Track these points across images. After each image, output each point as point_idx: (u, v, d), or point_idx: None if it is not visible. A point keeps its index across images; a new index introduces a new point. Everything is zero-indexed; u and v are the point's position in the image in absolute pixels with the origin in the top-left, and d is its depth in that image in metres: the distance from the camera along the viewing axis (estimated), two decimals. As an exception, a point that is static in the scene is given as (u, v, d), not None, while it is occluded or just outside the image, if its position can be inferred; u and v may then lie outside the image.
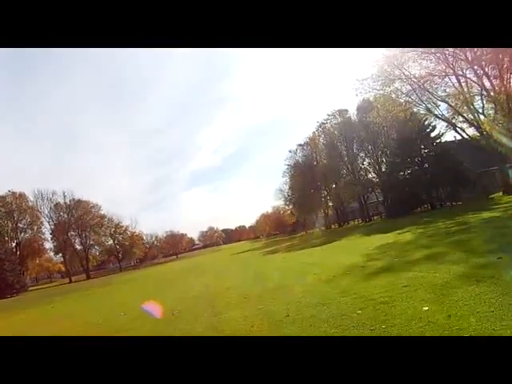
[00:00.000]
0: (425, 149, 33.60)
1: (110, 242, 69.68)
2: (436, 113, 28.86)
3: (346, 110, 43.98)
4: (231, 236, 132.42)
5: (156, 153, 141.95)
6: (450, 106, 26.76)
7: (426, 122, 32.95)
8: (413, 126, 31.34)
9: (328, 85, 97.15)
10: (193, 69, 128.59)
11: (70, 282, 53.26)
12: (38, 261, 60.32)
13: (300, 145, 53.62)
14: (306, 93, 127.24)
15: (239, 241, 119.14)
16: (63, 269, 69.73)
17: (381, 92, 28.81)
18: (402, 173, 34.64)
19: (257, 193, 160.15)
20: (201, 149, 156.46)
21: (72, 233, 62.41)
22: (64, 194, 60.95)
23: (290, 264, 13.02)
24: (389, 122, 31.52)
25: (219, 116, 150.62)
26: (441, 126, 31.80)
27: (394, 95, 29.09)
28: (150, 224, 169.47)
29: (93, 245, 64.92)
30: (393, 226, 19.09)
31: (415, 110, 30.94)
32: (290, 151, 54.45)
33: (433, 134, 33.26)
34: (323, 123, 44.85)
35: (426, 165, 33.01)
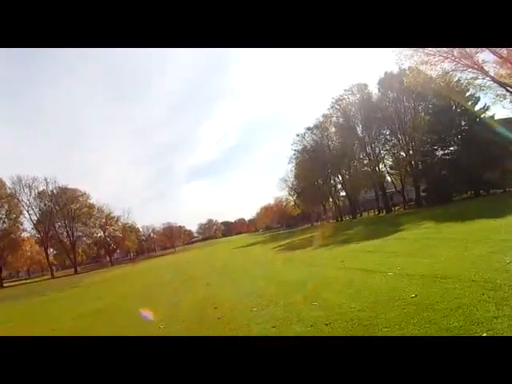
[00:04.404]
0: (466, 125, 28.10)
1: (100, 233, 63.99)
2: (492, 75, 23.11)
3: (366, 85, 38.23)
4: (231, 229, 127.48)
5: (157, 147, 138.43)
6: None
7: (468, 93, 27.41)
8: (459, 95, 25.67)
9: (333, 72, 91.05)
10: (193, 62, 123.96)
11: (53, 277, 47.87)
12: (30, 253, 54.81)
13: (309, 128, 47.91)
14: (307, 85, 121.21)
15: (239, 234, 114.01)
16: (55, 262, 64.36)
17: (420, 52, 23.22)
18: (437, 154, 29.11)
19: (258, 185, 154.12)
20: (201, 142, 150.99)
21: (58, 223, 56.85)
22: (46, 180, 54.93)
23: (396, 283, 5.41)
24: (428, 89, 25.62)
25: (220, 109, 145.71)
26: (488, 97, 26.20)
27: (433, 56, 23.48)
28: (149, 217, 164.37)
29: (80, 236, 59.20)
30: (460, 213, 13.67)
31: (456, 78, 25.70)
32: (298, 135, 48.79)
33: (476, 108, 27.76)
34: (339, 99, 38.98)
35: (468, 144, 27.50)
